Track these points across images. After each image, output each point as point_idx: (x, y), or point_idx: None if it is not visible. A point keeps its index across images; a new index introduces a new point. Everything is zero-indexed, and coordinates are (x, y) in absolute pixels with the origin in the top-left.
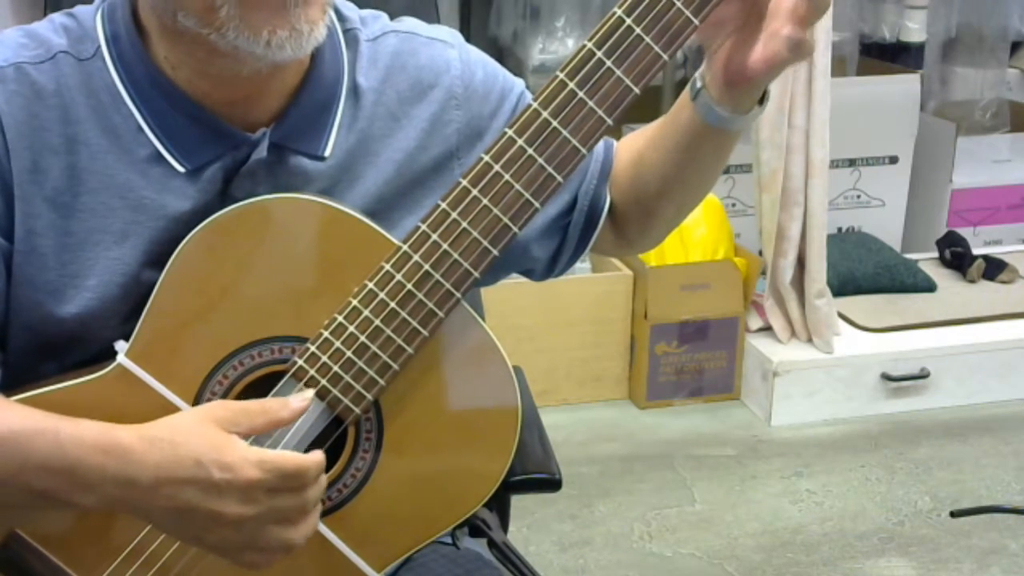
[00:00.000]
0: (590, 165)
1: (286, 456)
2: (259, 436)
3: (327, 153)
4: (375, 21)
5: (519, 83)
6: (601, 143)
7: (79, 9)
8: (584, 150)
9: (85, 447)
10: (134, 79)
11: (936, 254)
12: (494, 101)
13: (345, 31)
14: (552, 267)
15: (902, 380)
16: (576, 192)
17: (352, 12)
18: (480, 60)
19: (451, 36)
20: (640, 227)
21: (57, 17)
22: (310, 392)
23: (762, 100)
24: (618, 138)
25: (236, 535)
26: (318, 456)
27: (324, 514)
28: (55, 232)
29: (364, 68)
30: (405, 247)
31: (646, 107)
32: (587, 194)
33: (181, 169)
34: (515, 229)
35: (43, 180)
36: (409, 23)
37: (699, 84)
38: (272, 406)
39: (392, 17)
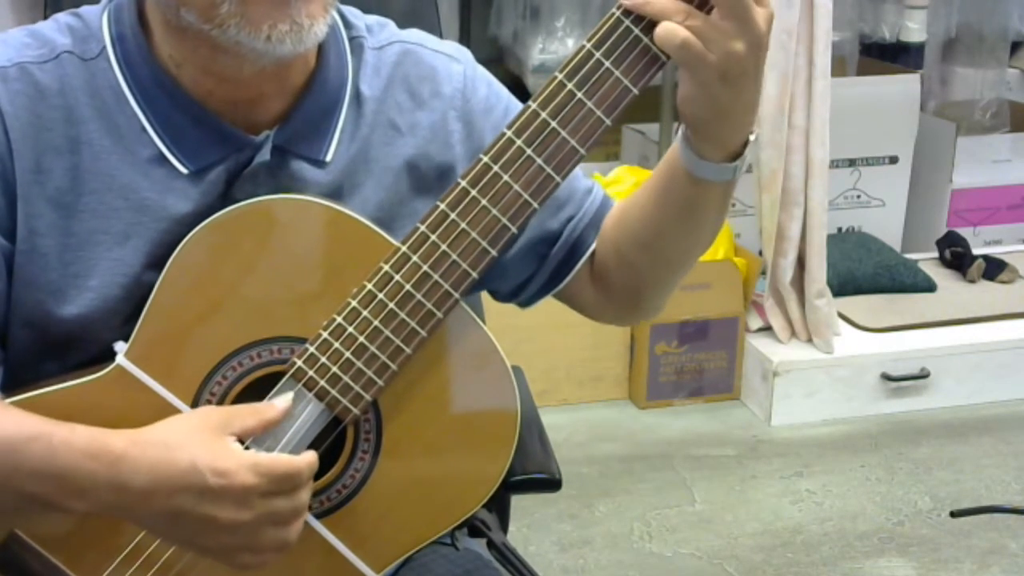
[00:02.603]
0: (585, 204)
1: (280, 459)
2: (258, 437)
3: (328, 158)
4: (382, 30)
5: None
6: (602, 193)
7: (85, 9)
8: (583, 150)
9: (76, 453)
10: (138, 79)
11: (936, 254)
12: (498, 117)
13: (351, 39)
14: (518, 293)
15: (902, 380)
16: (564, 225)
17: (358, 20)
18: (486, 78)
19: (458, 52)
20: (618, 281)
21: (62, 17)
22: (290, 393)
23: (734, 158)
24: (618, 138)
25: (231, 539)
26: (311, 457)
27: (323, 514)
28: (57, 232)
29: (368, 76)
30: (404, 248)
31: (645, 107)
32: (574, 230)
33: (184, 171)
34: (513, 229)
35: (45, 180)
36: (417, 35)
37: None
38: (260, 407)
39: (393, 17)
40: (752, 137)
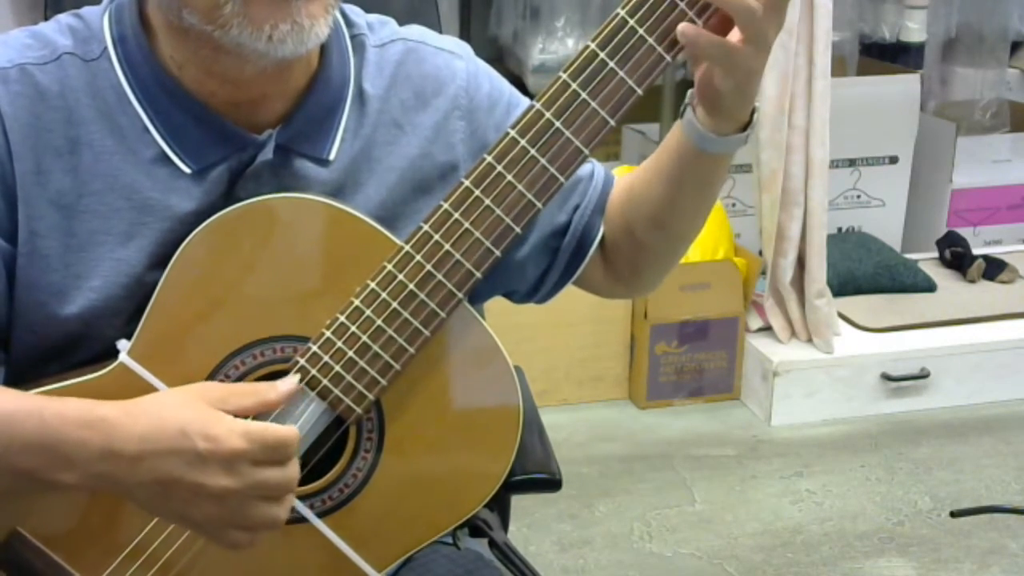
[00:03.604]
0: (589, 190)
1: (270, 427)
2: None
3: (332, 156)
4: (383, 27)
5: (526, 100)
6: (602, 173)
7: (86, 10)
8: (587, 151)
9: (67, 423)
10: (140, 80)
11: (936, 254)
12: (500, 114)
13: (352, 36)
14: (536, 291)
15: (902, 380)
16: (572, 215)
17: (359, 18)
18: (487, 73)
19: (459, 47)
20: (630, 261)
21: (63, 18)
22: (296, 376)
23: (745, 128)
24: (618, 138)
25: (219, 510)
26: (295, 431)
27: (325, 513)
28: (59, 233)
29: (371, 74)
30: (407, 247)
31: (647, 107)
32: (582, 218)
33: (187, 170)
34: (517, 230)
35: (46, 182)
36: (418, 31)
37: (687, 101)
38: (261, 387)
39: (393, 17)
40: (757, 103)
